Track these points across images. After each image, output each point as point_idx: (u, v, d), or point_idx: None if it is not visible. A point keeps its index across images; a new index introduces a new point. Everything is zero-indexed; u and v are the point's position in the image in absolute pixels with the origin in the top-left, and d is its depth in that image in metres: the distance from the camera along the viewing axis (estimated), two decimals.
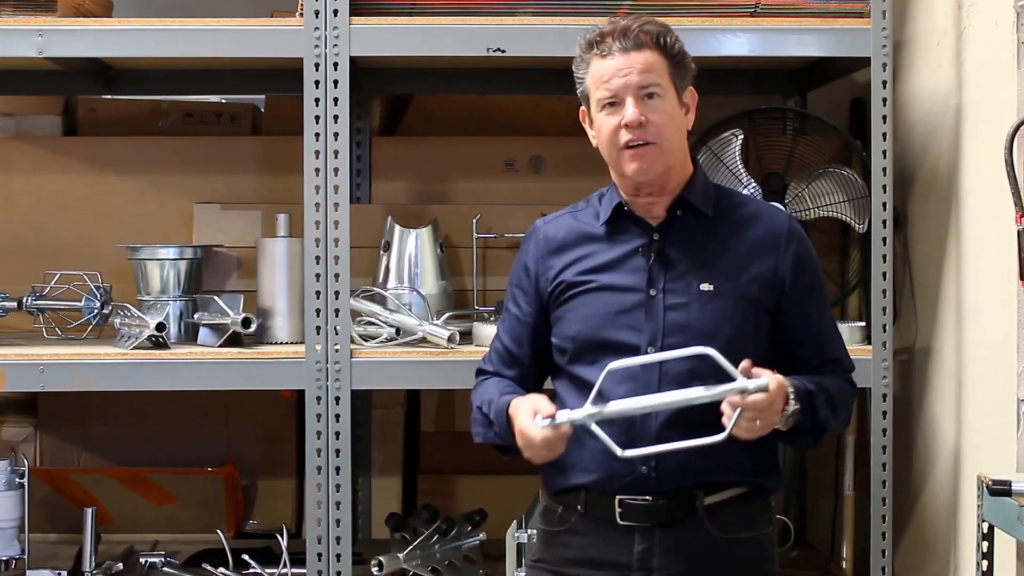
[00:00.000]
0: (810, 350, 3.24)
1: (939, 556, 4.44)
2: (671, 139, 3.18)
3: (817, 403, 3.14)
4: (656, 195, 3.24)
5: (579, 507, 3.26)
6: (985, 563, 3.64)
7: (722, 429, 2.95)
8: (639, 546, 3.19)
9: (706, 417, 3.03)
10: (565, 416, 2.99)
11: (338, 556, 4.17)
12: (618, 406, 3.00)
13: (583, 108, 3.28)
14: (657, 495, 3.18)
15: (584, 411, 2.98)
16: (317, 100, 4.13)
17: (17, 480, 4.37)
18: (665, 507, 3.19)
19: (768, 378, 2.95)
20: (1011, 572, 3.72)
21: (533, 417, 3.04)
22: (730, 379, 2.93)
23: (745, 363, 2.95)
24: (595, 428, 2.98)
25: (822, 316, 3.32)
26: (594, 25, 3.31)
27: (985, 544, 3.64)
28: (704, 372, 3.01)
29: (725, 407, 2.95)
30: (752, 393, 2.92)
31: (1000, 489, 3.36)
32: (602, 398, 2.99)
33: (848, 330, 4.23)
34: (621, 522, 3.20)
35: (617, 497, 3.20)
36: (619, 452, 2.97)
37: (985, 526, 3.61)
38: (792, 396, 3.05)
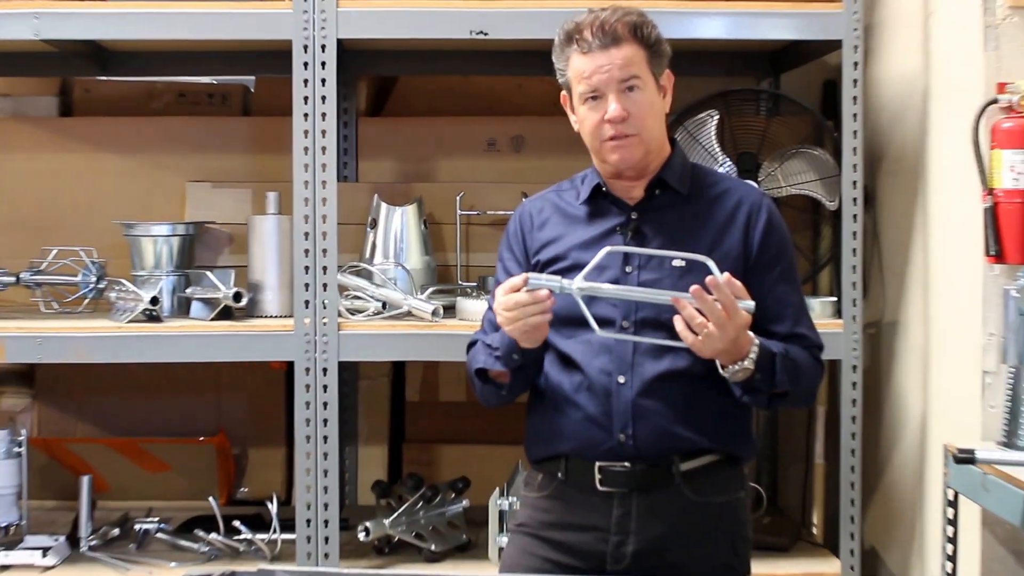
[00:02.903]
0: (776, 323, 3.23)
1: (906, 522, 4.45)
2: (651, 128, 3.21)
3: (778, 365, 3.13)
4: (636, 178, 3.26)
5: (560, 474, 3.27)
6: (950, 529, 3.66)
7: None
8: (618, 510, 3.20)
9: (679, 389, 3.11)
10: (555, 281, 3.03)
11: (326, 522, 4.17)
12: (600, 287, 3.05)
13: (564, 93, 3.28)
14: (635, 461, 3.19)
15: (571, 282, 3.03)
16: (306, 81, 4.13)
17: (15, 449, 4.36)
18: (643, 473, 3.20)
19: (751, 303, 2.99)
20: (975, 538, 3.73)
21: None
22: None
23: (727, 275, 2.96)
24: (580, 300, 3.03)
25: (790, 291, 3.31)
26: (574, 8, 3.31)
27: (950, 511, 3.65)
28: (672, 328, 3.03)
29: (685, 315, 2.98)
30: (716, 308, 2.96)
31: (965, 458, 3.36)
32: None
33: (819, 304, 4.24)
34: (600, 488, 3.21)
35: (596, 464, 3.21)
36: (598, 331, 3.04)
37: (950, 493, 3.63)
38: (753, 354, 3.05)
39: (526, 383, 3.29)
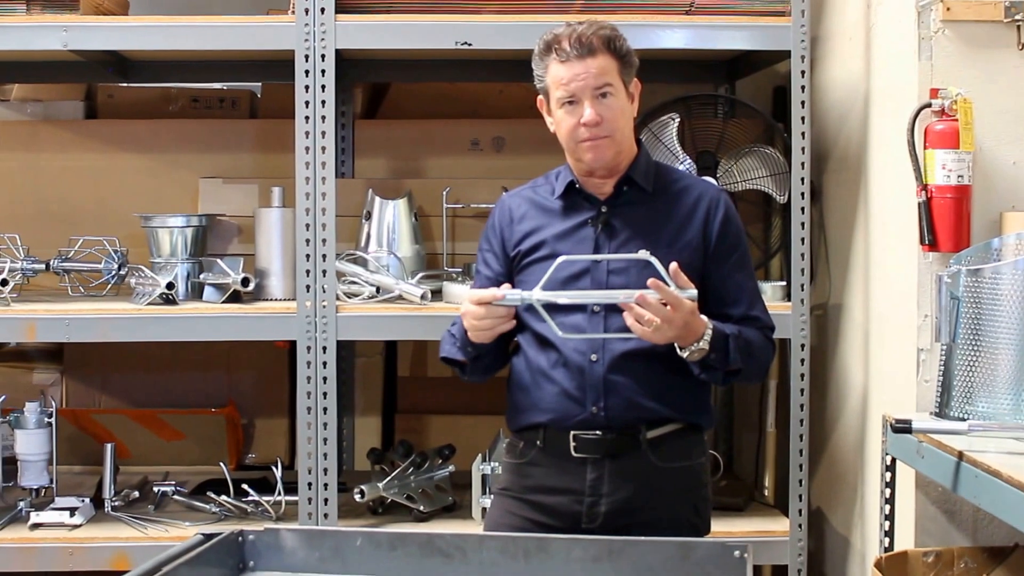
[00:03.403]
0: (732, 306, 3.25)
1: (849, 485, 4.46)
2: (622, 130, 3.22)
3: (731, 346, 3.15)
4: (606, 176, 3.27)
5: (538, 442, 3.28)
6: (888, 491, 3.67)
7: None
8: (591, 475, 3.22)
9: (645, 366, 3.12)
10: (516, 295, 3.07)
11: (325, 485, 4.18)
12: (558, 295, 3.08)
13: (541, 98, 3.28)
14: (606, 430, 3.21)
15: (531, 294, 3.05)
16: (307, 87, 4.13)
17: (46, 419, 4.37)
18: (613, 441, 3.21)
19: (694, 291, 3.02)
20: (910, 499, 3.74)
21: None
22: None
23: (673, 265, 3.00)
24: (540, 309, 3.05)
25: (745, 277, 3.33)
26: (550, 22, 3.32)
27: (888, 475, 3.66)
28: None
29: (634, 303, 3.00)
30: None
31: (902, 427, 3.37)
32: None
33: (770, 289, 4.25)
34: (575, 454, 3.22)
35: (571, 433, 3.22)
36: (560, 333, 3.07)
37: (889, 459, 3.64)
38: (707, 336, 3.07)
39: (486, 368, 3.32)
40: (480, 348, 3.22)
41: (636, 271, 3.17)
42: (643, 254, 3.01)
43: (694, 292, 3.01)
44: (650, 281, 2.96)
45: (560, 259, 3.09)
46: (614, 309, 3.10)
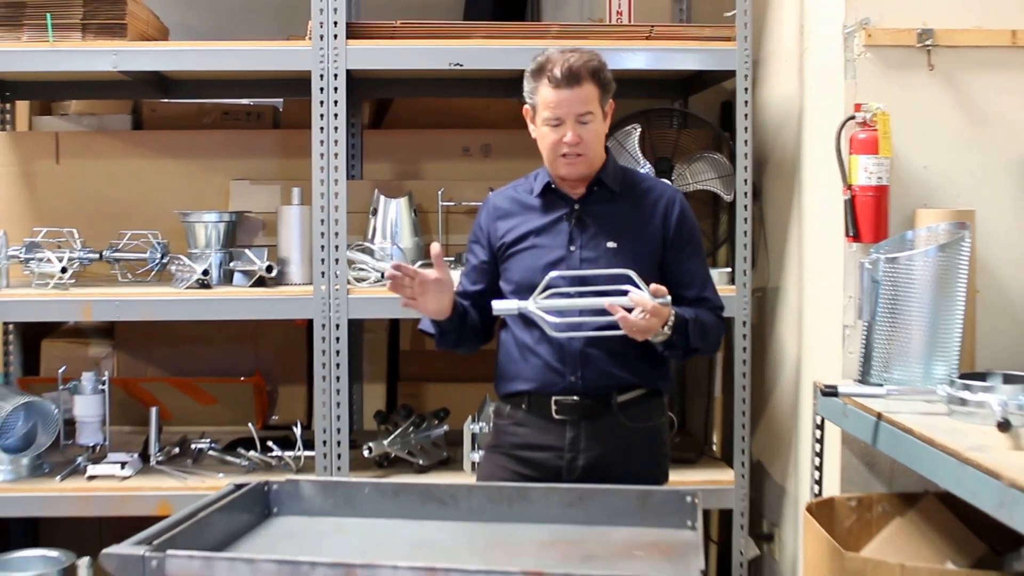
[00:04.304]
0: (687, 289, 3.26)
1: (784, 441, 4.46)
2: (596, 149, 3.24)
3: (690, 329, 3.16)
4: (579, 182, 3.26)
5: (523, 406, 3.29)
6: (818, 446, 3.69)
7: (623, 337, 3.04)
8: (569, 434, 3.24)
9: (615, 341, 3.10)
10: (513, 305, 3.08)
11: (338, 442, 4.18)
12: (552, 301, 3.07)
13: (527, 108, 3.27)
14: (582, 396, 3.23)
15: (527, 302, 3.06)
16: (321, 102, 4.12)
17: (100, 387, 4.36)
18: (588, 405, 3.23)
19: (668, 298, 3.03)
20: (837, 453, 3.74)
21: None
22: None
23: (654, 286, 3.00)
24: (535, 310, 3.05)
25: (698, 264, 3.33)
26: (531, 46, 3.31)
27: (818, 432, 3.68)
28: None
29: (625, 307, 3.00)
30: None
31: (830, 392, 3.37)
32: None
33: (718, 274, 4.23)
34: (556, 416, 3.24)
35: (552, 398, 3.24)
36: (551, 332, 3.07)
37: (818, 419, 3.66)
38: (671, 323, 3.06)
39: (456, 343, 3.31)
40: (444, 325, 3.23)
41: (605, 260, 3.19)
42: (622, 271, 3.03)
43: (668, 299, 3.02)
44: (634, 299, 2.98)
45: (553, 273, 3.11)
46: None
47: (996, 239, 3.77)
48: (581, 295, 3.08)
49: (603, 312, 3.02)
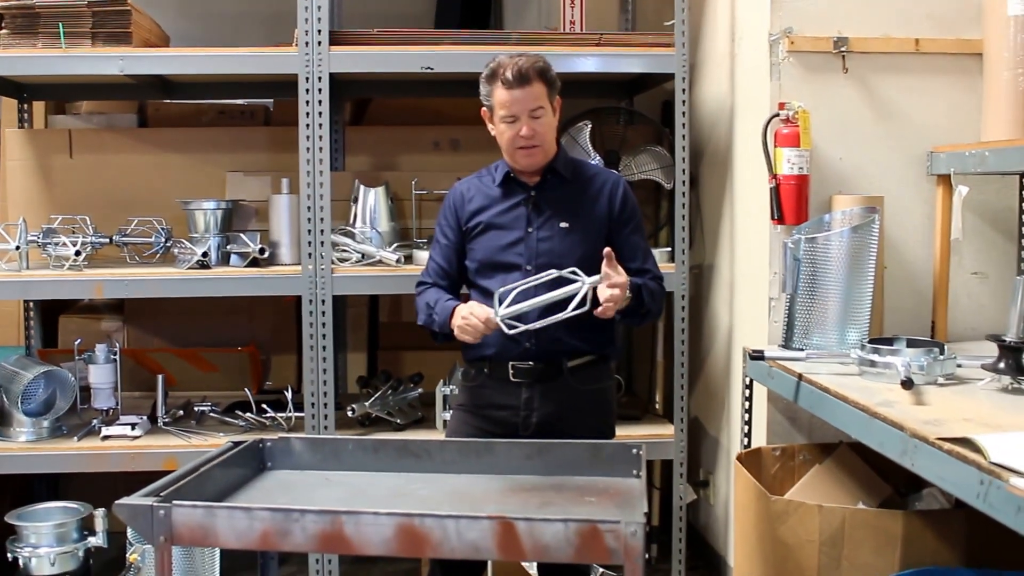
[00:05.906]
0: (630, 261, 3.28)
1: (718, 400, 4.50)
2: (548, 141, 3.26)
3: (643, 295, 3.20)
4: (535, 171, 3.28)
5: (486, 370, 3.31)
6: (747, 404, 3.72)
7: (584, 314, 3.04)
8: (525, 395, 3.26)
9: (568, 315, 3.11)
10: (496, 316, 3.07)
11: (325, 404, 4.18)
12: (519, 307, 3.08)
13: (485, 110, 3.28)
14: (536, 361, 3.25)
15: (502, 312, 3.07)
16: (307, 102, 4.10)
17: (112, 356, 4.36)
18: (542, 369, 3.25)
19: (624, 276, 3.07)
20: (763, 409, 3.78)
21: (468, 315, 3.12)
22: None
23: (607, 250, 3.04)
24: (500, 324, 3.07)
25: (639, 239, 3.36)
26: (493, 51, 3.33)
27: (747, 391, 3.71)
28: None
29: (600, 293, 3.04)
30: (615, 284, 3.03)
31: (757, 356, 3.41)
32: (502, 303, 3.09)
33: (659, 253, 4.25)
34: (513, 379, 3.26)
35: (510, 363, 3.26)
36: (508, 331, 3.07)
37: (747, 380, 3.68)
38: (630, 291, 3.11)
39: (447, 339, 3.31)
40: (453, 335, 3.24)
41: (558, 239, 3.22)
42: (568, 269, 3.06)
43: (624, 279, 3.07)
44: (608, 283, 3.03)
45: (500, 290, 3.11)
46: (544, 268, 3.14)
47: (901, 221, 3.82)
48: (537, 291, 3.11)
49: (556, 306, 3.06)
